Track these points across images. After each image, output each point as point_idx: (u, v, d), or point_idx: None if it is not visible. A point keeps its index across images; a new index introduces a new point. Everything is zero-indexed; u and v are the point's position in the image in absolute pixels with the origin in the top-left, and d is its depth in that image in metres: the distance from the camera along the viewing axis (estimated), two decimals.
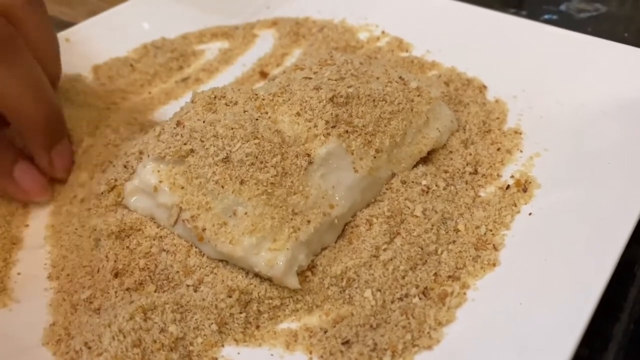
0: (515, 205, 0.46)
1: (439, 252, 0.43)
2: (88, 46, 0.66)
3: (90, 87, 0.62)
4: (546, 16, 0.76)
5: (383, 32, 0.67)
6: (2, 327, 0.40)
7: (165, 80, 0.65)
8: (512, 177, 0.49)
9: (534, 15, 0.76)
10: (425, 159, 0.50)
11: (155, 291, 0.40)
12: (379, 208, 0.44)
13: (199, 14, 0.72)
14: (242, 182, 0.41)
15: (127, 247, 0.42)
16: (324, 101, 0.45)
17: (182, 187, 0.42)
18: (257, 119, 0.44)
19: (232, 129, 0.43)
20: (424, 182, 0.47)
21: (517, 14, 0.77)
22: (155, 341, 0.37)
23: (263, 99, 0.46)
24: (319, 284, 0.41)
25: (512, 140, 0.52)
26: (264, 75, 0.64)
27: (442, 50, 0.63)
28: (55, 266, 0.44)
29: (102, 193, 0.45)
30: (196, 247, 0.42)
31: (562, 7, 0.78)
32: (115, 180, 0.46)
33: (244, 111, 0.45)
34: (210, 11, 0.72)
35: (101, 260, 0.42)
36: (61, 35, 0.65)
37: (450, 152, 0.51)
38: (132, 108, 0.61)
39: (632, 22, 0.76)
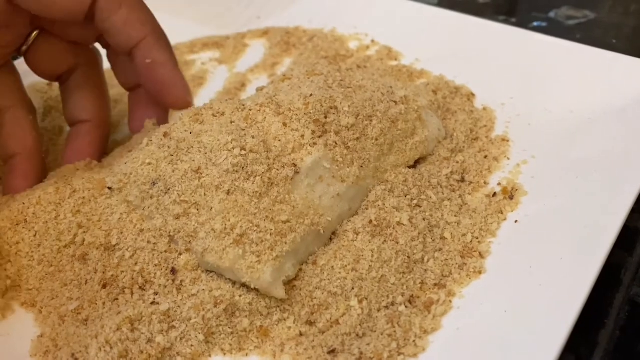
0: (502, 213, 0.47)
1: (426, 260, 0.43)
2: None
3: None
4: (535, 23, 0.77)
5: (373, 41, 0.68)
6: None
7: None
8: (499, 184, 0.49)
9: (523, 22, 0.77)
10: (412, 167, 0.50)
11: (142, 302, 0.40)
12: (366, 217, 0.45)
13: (190, 24, 0.72)
14: (228, 193, 0.41)
15: (116, 258, 0.42)
16: (311, 111, 0.46)
17: None
18: (243, 130, 0.45)
19: (218, 139, 0.43)
20: (411, 191, 0.47)
21: (506, 21, 0.77)
22: (142, 352, 0.38)
23: (250, 110, 0.46)
24: (306, 293, 0.41)
25: (499, 148, 0.53)
26: None
27: (431, 59, 0.63)
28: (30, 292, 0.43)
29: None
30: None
31: (552, 14, 0.78)
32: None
33: (231, 122, 0.45)
34: (201, 21, 0.73)
35: (89, 272, 0.42)
36: None
37: (438, 160, 0.51)
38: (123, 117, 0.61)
39: (621, 29, 0.76)
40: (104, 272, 0.42)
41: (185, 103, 0.50)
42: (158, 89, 0.49)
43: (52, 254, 0.43)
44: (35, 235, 0.44)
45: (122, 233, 0.43)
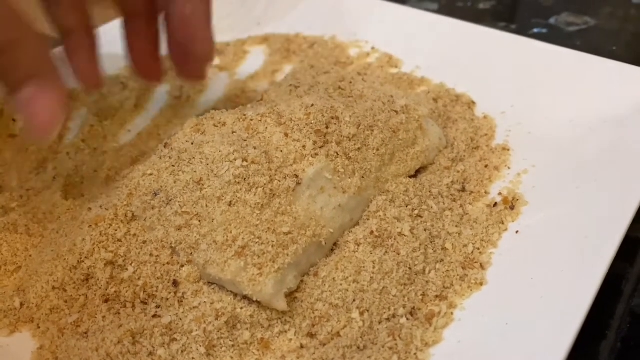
0: (503, 223, 0.47)
1: (427, 271, 0.43)
2: None
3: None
4: (535, 30, 0.77)
5: (373, 48, 0.68)
6: None
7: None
8: (499, 194, 0.49)
9: (523, 29, 0.77)
10: (413, 177, 0.50)
11: (144, 315, 0.40)
12: (367, 227, 0.44)
13: None
14: (230, 204, 0.41)
15: (119, 273, 0.42)
16: (312, 121, 0.45)
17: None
18: (245, 140, 0.45)
19: (220, 150, 0.43)
20: (412, 201, 0.47)
21: (506, 27, 0.77)
22: None
23: (251, 120, 0.46)
24: (307, 305, 0.41)
25: (500, 157, 0.53)
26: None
27: (431, 66, 0.63)
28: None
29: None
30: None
31: (552, 21, 0.78)
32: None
33: (233, 132, 0.45)
34: None
35: (90, 287, 0.42)
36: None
37: (439, 169, 0.51)
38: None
39: (621, 36, 0.76)
40: (107, 289, 0.41)
41: (207, 56, 0.47)
42: (188, 41, 0.46)
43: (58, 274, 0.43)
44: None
45: (128, 250, 0.42)
